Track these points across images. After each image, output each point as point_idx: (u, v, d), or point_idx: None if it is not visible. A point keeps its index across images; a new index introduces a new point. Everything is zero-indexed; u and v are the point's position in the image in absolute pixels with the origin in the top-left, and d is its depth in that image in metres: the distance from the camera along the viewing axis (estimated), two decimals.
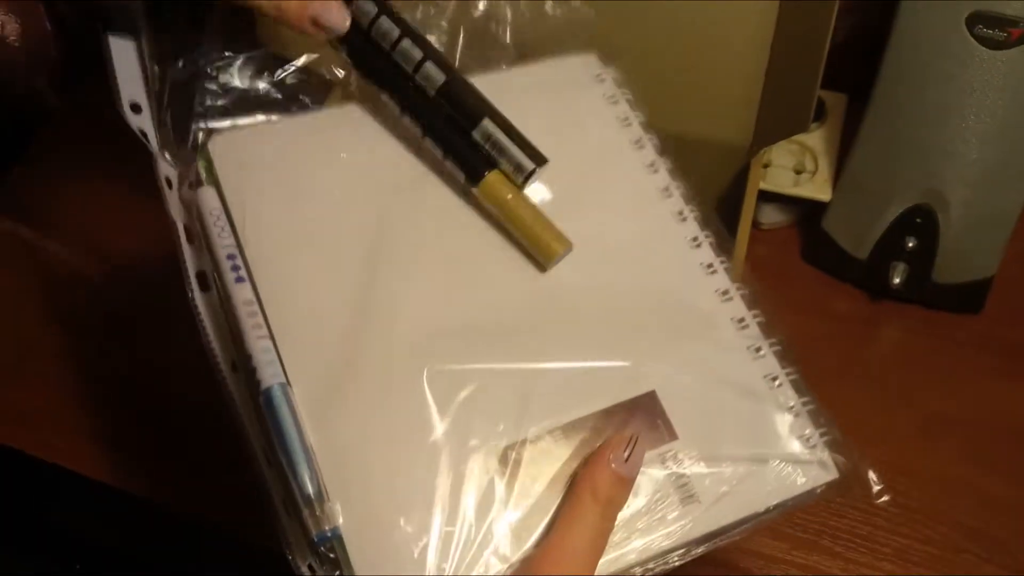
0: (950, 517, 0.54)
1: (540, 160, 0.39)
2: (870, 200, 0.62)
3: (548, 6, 0.44)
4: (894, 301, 0.63)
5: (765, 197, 0.65)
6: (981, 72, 0.55)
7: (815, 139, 0.66)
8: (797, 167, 0.66)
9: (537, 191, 0.41)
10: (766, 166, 0.65)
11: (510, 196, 0.39)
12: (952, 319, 0.62)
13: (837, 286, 0.64)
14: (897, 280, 0.61)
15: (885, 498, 0.37)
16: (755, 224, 0.66)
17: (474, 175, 0.40)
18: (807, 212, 0.66)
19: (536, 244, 0.39)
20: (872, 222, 0.62)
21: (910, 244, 0.61)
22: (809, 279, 0.65)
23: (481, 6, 0.43)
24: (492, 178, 0.40)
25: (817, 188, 0.64)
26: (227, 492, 0.45)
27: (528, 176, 0.39)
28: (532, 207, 0.40)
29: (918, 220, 0.60)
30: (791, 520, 0.54)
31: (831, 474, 0.37)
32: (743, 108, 0.57)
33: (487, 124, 0.39)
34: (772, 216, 0.67)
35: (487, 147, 0.39)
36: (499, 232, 0.41)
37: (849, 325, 0.63)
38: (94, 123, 0.71)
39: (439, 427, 0.35)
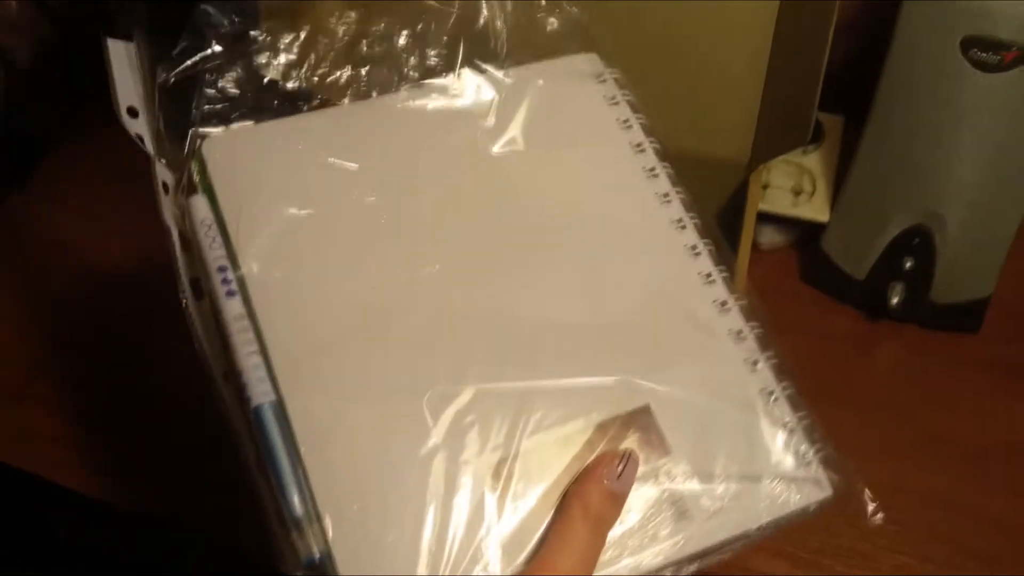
0: (950, 536, 0.52)
1: None
2: (868, 221, 0.61)
3: (544, 15, 0.44)
4: (892, 321, 0.62)
5: (764, 218, 0.64)
6: (976, 95, 0.55)
7: (813, 161, 0.65)
8: (795, 188, 0.65)
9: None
10: (765, 187, 0.65)
11: None
12: (950, 339, 0.61)
13: (836, 306, 0.63)
14: (895, 300, 0.60)
15: (880, 516, 0.36)
16: (754, 245, 0.65)
17: None
18: (806, 233, 0.65)
19: None
20: (870, 243, 0.61)
21: (908, 264, 0.60)
22: (808, 299, 0.64)
23: (481, 19, 0.43)
24: None
25: (815, 209, 0.63)
26: (230, 508, 0.44)
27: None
28: None
29: (915, 241, 0.60)
30: (789, 537, 0.53)
31: (825, 492, 0.36)
32: (741, 124, 0.56)
33: None
34: (771, 237, 0.66)
35: None
36: (496, 244, 0.40)
37: (848, 345, 0.62)
38: (97, 145, 0.72)
39: (431, 441, 0.34)
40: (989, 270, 0.59)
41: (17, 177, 0.72)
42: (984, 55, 0.54)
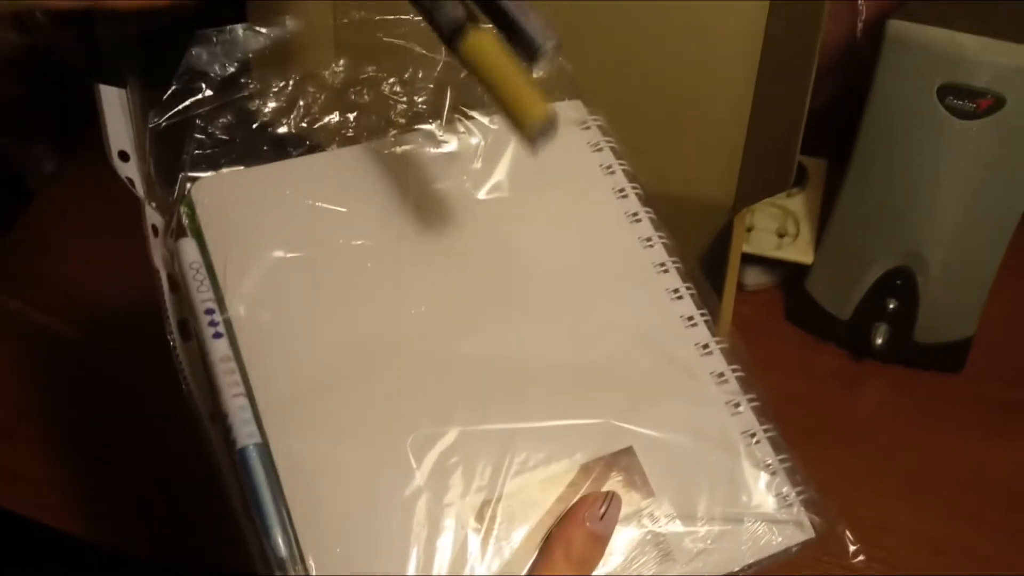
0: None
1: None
2: (851, 262, 0.62)
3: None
4: (877, 361, 0.62)
5: (749, 260, 0.65)
6: (953, 141, 0.55)
7: (797, 203, 0.66)
8: (779, 230, 0.66)
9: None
10: (749, 229, 0.65)
11: (499, 54, 0.35)
12: (934, 378, 0.61)
13: (821, 346, 0.64)
14: (879, 341, 0.60)
15: (861, 558, 0.36)
16: (740, 286, 0.66)
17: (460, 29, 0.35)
18: (790, 274, 0.65)
19: (521, 106, 0.34)
20: (853, 284, 0.62)
21: (891, 305, 0.60)
22: (793, 339, 0.64)
23: None
24: (483, 35, 0.35)
25: (799, 251, 0.64)
26: (215, 549, 0.44)
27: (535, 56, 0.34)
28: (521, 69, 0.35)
29: (898, 282, 0.60)
30: None
31: (807, 533, 0.36)
32: (725, 167, 0.57)
33: None
34: (756, 278, 0.66)
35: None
36: (481, 287, 0.40)
37: (833, 385, 0.62)
38: (90, 186, 0.73)
39: (415, 483, 0.34)
40: (971, 310, 0.60)
41: (4, 219, 0.72)
42: (960, 103, 0.54)
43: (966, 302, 0.60)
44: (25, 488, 0.57)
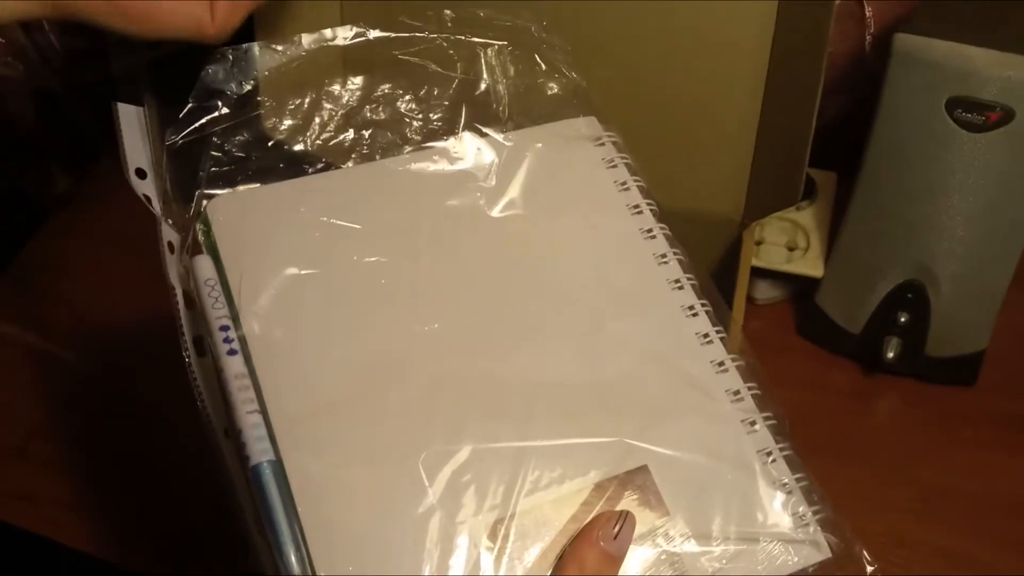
0: None
1: None
2: (861, 276, 0.61)
3: (544, 80, 0.45)
4: (888, 374, 0.62)
5: (759, 273, 0.64)
6: (962, 154, 0.55)
7: (806, 217, 0.66)
8: (789, 244, 0.65)
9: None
10: (759, 243, 0.65)
11: None
12: (946, 392, 0.61)
13: (832, 360, 0.63)
14: (891, 354, 0.60)
15: None
16: (750, 299, 0.66)
17: None
18: (801, 287, 0.65)
19: None
20: (864, 297, 0.61)
21: (902, 319, 0.60)
22: (804, 353, 0.64)
23: (483, 84, 0.44)
24: None
25: (809, 265, 0.64)
26: (229, 566, 0.44)
27: None
28: None
29: (909, 295, 0.60)
30: None
31: (823, 554, 0.36)
32: (734, 182, 0.57)
33: None
34: (766, 292, 0.66)
35: None
36: (495, 304, 0.40)
37: (844, 398, 0.62)
38: (102, 205, 0.73)
39: (428, 501, 0.34)
40: (983, 324, 0.59)
41: (15, 239, 0.72)
42: (969, 115, 0.54)
43: (978, 315, 0.59)
44: (37, 507, 0.57)
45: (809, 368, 0.63)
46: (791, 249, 0.65)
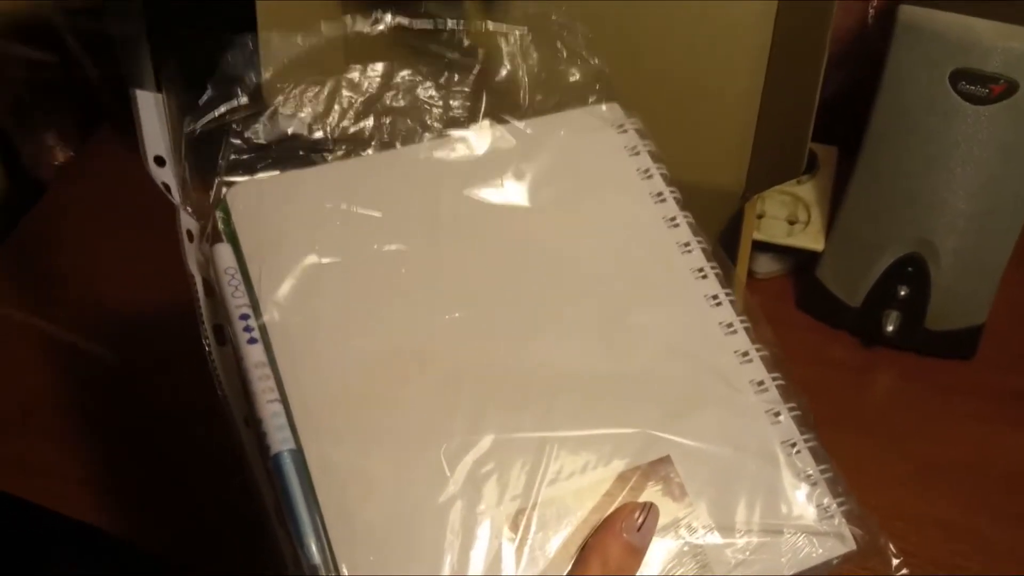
0: (949, 561, 0.53)
1: None
2: (862, 250, 0.61)
3: (566, 67, 0.44)
4: (888, 348, 0.62)
5: (759, 247, 0.64)
6: (965, 126, 0.55)
7: (807, 190, 0.66)
8: (790, 218, 0.66)
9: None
10: (760, 216, 0.65)
11: None
12: (945, 365, 0.62)
13: (832, 333, 0.64)
14: (890, 328, 0.61)
15: (904, 572, 0.35)
16: (750, 273, 0.66)
17: None
18: (801, 261, 0.65)
19: None
20: (864, 271, 0.62)
21: (902, 292, 0.60)
22: (804, 327, 0.64)
23: (503, 71, 0.43)
24: None
25: (810, 238, 0.64)
26: (247, 552, 0.44)
27: None
28: None
29: (909, 269, 0.60)
30: None
31: (848, 546, 0.36)
32: (735, 155, 0.56)
33: None
34: (767, 266, 0.67)
35: None
36: (516, 293, 0.39)
37: (844, 372, 0.62)
38: (104, 179, 0.72)
39: (449, 490, 0.34)
40: (983, 297, 0.60)
41: (13, 213, 0.71)
42: (972, 88, 0.54)
43: (977, 289, 0.60)
44: (39, 478, 0.57)
45: (809, 341, 0.63)
46: (792, 223, 0.65)
